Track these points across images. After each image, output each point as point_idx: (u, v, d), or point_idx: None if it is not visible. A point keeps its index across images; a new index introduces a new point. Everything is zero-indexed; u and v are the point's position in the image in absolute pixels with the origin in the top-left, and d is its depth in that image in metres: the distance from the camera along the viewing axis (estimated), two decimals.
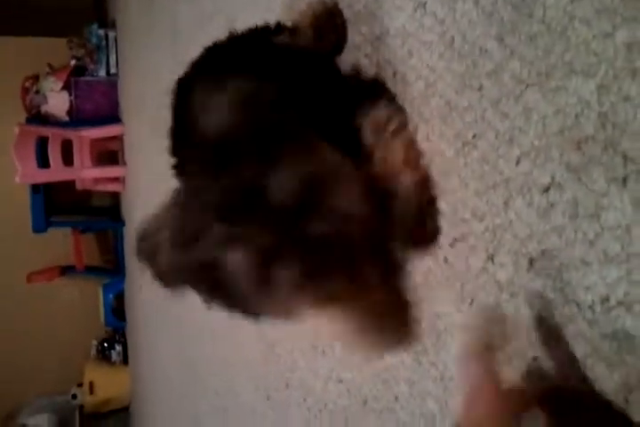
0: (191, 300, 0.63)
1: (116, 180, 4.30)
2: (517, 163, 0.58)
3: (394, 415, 0.83)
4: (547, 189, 0.55)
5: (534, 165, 0.57)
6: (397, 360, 0.80)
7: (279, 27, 0.89)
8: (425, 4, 0.72)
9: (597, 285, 0.51)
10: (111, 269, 4.88)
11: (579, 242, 0.52)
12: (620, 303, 0.49)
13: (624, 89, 0.48)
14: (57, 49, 4.65)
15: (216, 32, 1.63)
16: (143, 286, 3.31)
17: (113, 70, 4.42)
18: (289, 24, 0.89)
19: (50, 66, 4.48)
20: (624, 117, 0.48)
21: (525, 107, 0.57)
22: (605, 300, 0.50)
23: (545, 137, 0.55)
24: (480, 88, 0.63)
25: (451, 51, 0.68)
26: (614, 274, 0.49)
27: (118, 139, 4.27)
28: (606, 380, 0.51)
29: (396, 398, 0.82)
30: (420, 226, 0.72)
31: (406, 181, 0.72)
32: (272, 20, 0.90)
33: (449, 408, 0.72)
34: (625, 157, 0.48)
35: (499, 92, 0.61)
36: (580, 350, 0.53)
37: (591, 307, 0.52)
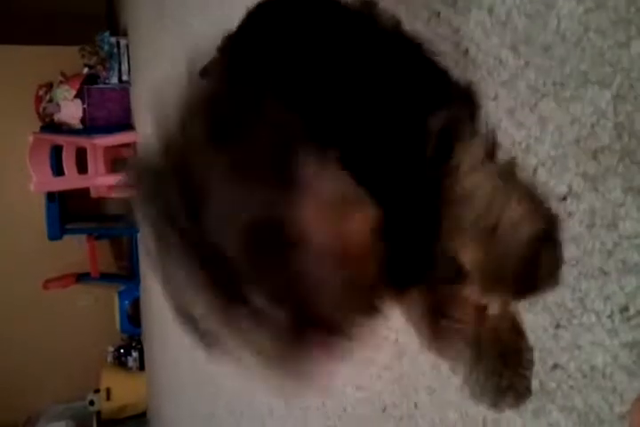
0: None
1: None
2: (534, 172, 0.59)
3: (413, 422, 0.83)
4: (564, 198, 0.55)
5: (551, 175, 0.57)
6: (417, 368, 0.80)
7: None
8: (439, 13, 0.72)
9: (616, 294, 0.51)
10: (126, 276, 4.91)
11: (597, 251, 0.53)
12: (639, 312, 0.49)
13: None
14: (69, 57, 4.68)
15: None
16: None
17: (125, 78, 4.45)
18: None
19: (63, 74, 4.51)
20: None
21: (541, 116, 0.58)
22: (625, 309, 0.50)
23: (561, 146, 0.56)
24: (495, 97, 0.63)
25: (465, 60, 0.68)
26: (633, 283, 0.49)
27: (132, 146, 4.30)
28: (626, 389, 0.51)
29: (416, 405, 0.82)
30: (530, 271, 0.58)
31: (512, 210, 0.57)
32: None
33: (470, 417, 0.72)
34: None
35: (514, 102, 0.61)
36: (599, 359, 0.53)
37: (610, 316, 0.52)
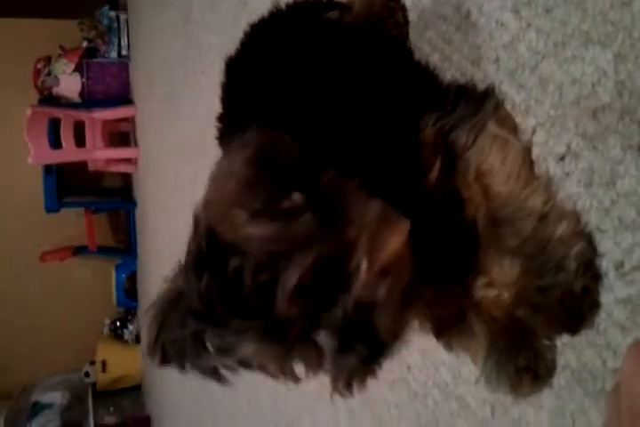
0: None
1: (127, 161, 4.31)
2: (533, 133, 0.59)
3: (406, 385, 0.84)
4: (562, 158, 0.56)
5: (550, 135, 0.57)
6: (410, 334, 0.81)
7: (331, 2, 0.79)
8: None
9: (612, 251, 0.52)
10: (123, 250, 4.92)
11: (594, 209, 0.53)
12: (634, 268, 0.50)
13: None
14: (69, 31, 4.64)
15: (229, 12, 1.63)
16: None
17: (124, 52, 4.42)
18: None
19: (62, 48, 4.48)
20: None
21: (541, 77, 0.58)
22: (620, 265, 0.51)
23: (561, 107, 0.56)
24: (496, 60, 0.64)
25: (466, 23, 0.68)
26: (629, 240, 0.50)
27: (130, 120, 4.28)
28: (620, 344, 0.52)
29: (409, 368, 0.83)
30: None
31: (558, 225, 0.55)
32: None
33: (462, 377, 0.73)
34: None
35: (515, 64, 0.61)
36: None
37: (606, 273, 0.53)
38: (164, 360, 0.56)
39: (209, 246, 0.50)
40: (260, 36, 0.75)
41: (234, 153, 0.50)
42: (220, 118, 0.74)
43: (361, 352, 0.51)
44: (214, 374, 0.56)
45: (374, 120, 0.60)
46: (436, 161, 0.58)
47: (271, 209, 0.48)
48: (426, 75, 0.69)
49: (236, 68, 0.74)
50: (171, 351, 0.56)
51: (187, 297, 0.52)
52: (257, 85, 0.68)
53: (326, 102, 0.62)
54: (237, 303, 0.49)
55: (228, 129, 0.71)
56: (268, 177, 0.49)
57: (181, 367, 0.56)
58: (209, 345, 0.55)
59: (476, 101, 0.61)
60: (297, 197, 0.49)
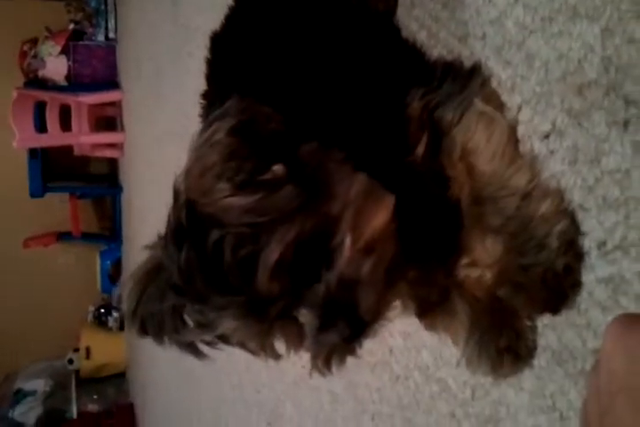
0: None
1: (113, 146, 4.27)
2: (519, 110, 0.58)
3: (388, 368, 0.84)
4: (547, 136, 0.55)
5: (535, 112, 0.56)
6: (393, 314, 0.81)
7: None
8: None
9: (595, 230, 0.51)
10: (108, 236, 4.89)
11: (578, 188, 0.52)
12: (616, 247, 0.49)
13: (628, 31, 0.47)
14: (55, 13, 4.57)
15: None
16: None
17: (112, 35, 4.36)
18: None
19: (48, 30, 4.42)
20: (627, 60, 0.47)
21: (528, 53, 0.57)
22: (602, 244, 0.50)
23: (547, 83, 0.55)
24: (483, 36, 0.63)
25: (454, 0, 0.67)
26: (612, 218, 0.49)
27: (116, 105, 4.24)
28: (600, 324, 0.51)
29: (391, 351, 0.83)
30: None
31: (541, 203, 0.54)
32: None
33: (443, 360, 0.72)
34: (627, 101, 0.48)
35: (502, 40, 0.60)
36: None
37: (588, 252, 0.52)
38: (143, 332, 0.56)
39: (189, 218, 0.49)
40: (244, 10, 0.73)
41: (215, 122, 0.49)
42: (205, 95, 0.73)
43: (342, 330, 0.50)
44: (192, 349, 0.56)
45: (360, 93, 0.59)
46: (423, 136, 0.57)
47: (253, 180, 0.47)
48: (413, 51, 0.68)
49: (221, 43, 0.73)
50: (149, 324, 0.55)
51: (166, 269, 0.51)
52: (241, 60, 0.66)
53: (312, 76, 0.60)
54: (218, 278, 0.48)
55: (213, 105, 0.70)
56: (250, 148, 0.48)
57: (159, 341, 0.55)
58: (188, 320, 0.54)
59: (463, 78, 0.60)
60: (278, 168, 0.48)
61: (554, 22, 0.54)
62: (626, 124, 0.48)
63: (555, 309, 0.55)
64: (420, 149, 0.57)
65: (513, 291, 0.57)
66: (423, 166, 0.57)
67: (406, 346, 0.79)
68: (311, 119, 0.55)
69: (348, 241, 0.49)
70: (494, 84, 0.61)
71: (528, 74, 0.57)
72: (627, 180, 0.48)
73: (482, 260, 0.58)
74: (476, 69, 0.62)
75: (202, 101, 0.73)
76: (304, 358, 0.95)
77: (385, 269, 0.51)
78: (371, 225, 0.51)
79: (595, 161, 0.50)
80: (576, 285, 0.53)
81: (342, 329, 0.50)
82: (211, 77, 0.73)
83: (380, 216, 0.51)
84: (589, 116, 0.51)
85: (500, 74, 0.60)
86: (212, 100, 0.70)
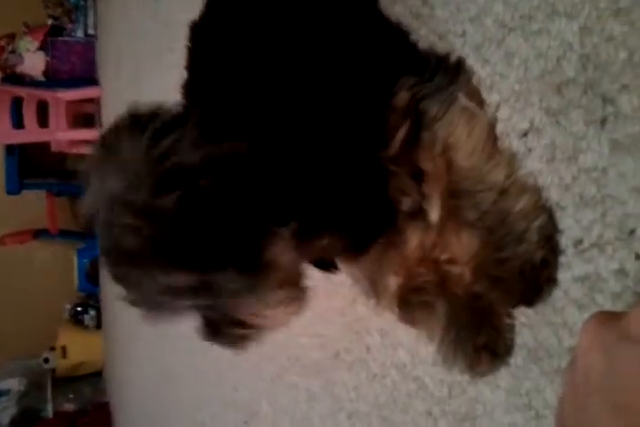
0: None
1: (92, 143, 4.23)
2: (497, 108, 0.58)
3: (365, 366, 0.83)
4: (525, 134, 0.55)
5: (514, 110, 0.56)
6: (370, 311, 0.80)
7: None
8: None
9: (572, 228, 0.51)
10: (86, 234, 4.83)
11: (555, 186, 0.52)
12: (593, 245, 0.49)
13: (607, 29, 0.47)
14: (33, 8, 4.52)
15: None
16: None
17: (91, 31, 4.31)
18: None
19: (26, 25, 4.36)
20: (605, 58, 0.47)
21: (507, 52, 0.57)
22: (579, 242, 0.50)
23: (525, 82, 0.55)
24: (463, 34, 0.62)
25: None
26: (589, 217, 0.49)
27: (95, 101, 4.20)
28: (576, 322, 0.51)
29: (368, 349, 0.83)
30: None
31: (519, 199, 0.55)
32: None
33: (420, 358, 0.72)
34: (604, 99, 0.48)
35: (481, 38, 0.60)
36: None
37: (564, 250, 0.52)
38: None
39: None
40: None
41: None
42: (185, 86, 0.72)
43: None
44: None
45: (343, 79, 0.58)
46: (404, 125, 0.56)
47: None
48: (403, 38, 0.67)
49: (200, 31, 0.71)
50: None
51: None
52: (220, 48, 0.65)
53: (295, 61, 0.59)
54: None
55: (191, 96, 0.69)
56: None
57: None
58: None
59: (452, 72, 0.60)
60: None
61: (533, 20, 0.54)
62: (603, 122, 0.48)
63: (529, 301, 0.55)
64: (398, 140, 0.56)
65: (490, 284, 0.57)
66: (396, 160, 0.57)
67: (383, 344, 0.79)
68: (291, 106, 0.54)
69: None
70: (474, 81, 0.61)
71: (507, 72, 0.57)
72: (604, 178, 0.48)
73: (460, 255, 0.58)
74: (461, 64, 0.61)
75: (181, 91, 0.72)
76: (281, 354, 0.95)
77: None
78: None
79: (572, 159, 0.51)
80: (551, 279, 0.53)
81: None
82: (190, 67, 0.72)
83: None
84: (567, 114, 0.51)
85: (480, 72, 0.60)
86: (191, 90, 0.69)
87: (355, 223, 0.58)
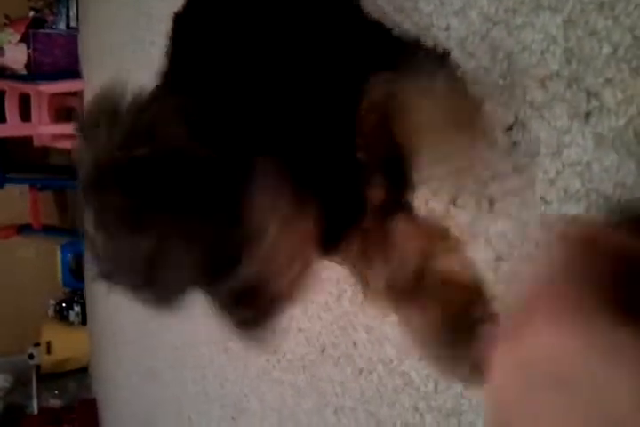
0: None
1: (74, 137, 4.19)
2: (482, 102, 0.58)
3: (351, 361, 0.83)
4: (510, 128, 0.55)
5: (498, 104, 0.56)
6: (356, 307, 0.80)
7: None
8: None
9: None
10: (69, 229, 4.80)
11: (539, 181, 0.52)
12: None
13: (590, 23, 0.47)
14: (14, 0, 4.47)
15: None
16: None
17: (73, 24, 4.27)
18: None
19: (7, 17, 4.31)
20: (589, 52, 0.47)
21: (492, 45, 0.57)
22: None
23: (510, 75, 0.55)
24: (447, 28, 0.62)
25: None
26: (573, 211, 0.49)
27: (78, 95, 4.16)
28: None
29: (355, 344, 0.82)
30: None
31: None
32: None
33: (406, 352, 0.72)
34: (588, 93, 0.48)
35: (465, 31, 0.60)
36: None
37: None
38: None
39: None
40: None
41: None
42: (163, 74, 0.71)
43: None
44: None
45: (314, 76, 0.57)
46: (373, 117, 0.55)
47: None
48: (376, 29, 0.66)
49: (182, 22, 0.70)
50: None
51: None
52: (200, 37, 0.64)
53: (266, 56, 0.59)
54: None
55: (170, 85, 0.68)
56: None
57: None
58: None
59: (433, 64, 0.59)
60: None
61: (517, 13, 0.53)
62: (587, 116, 0.48)
63: None
64: (367, 130, 0.55)
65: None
66: (366, 149, 0.56)
67: (369, 339, 0.79)
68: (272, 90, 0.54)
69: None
70: (458, 75, 0.60)
71: (491, 66, 0.57)
72: (588, 172, 0.48)
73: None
74: (445, 55, 0.60)
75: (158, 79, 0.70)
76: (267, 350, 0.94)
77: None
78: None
79: (556, 153, 0.50)
80: None
81: None
82: (171, 55, 0.70)
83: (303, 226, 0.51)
84: (551, 108, 0.51)
85: (464, 66, 0.60)
86: (169, 79, 0.68)
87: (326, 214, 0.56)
